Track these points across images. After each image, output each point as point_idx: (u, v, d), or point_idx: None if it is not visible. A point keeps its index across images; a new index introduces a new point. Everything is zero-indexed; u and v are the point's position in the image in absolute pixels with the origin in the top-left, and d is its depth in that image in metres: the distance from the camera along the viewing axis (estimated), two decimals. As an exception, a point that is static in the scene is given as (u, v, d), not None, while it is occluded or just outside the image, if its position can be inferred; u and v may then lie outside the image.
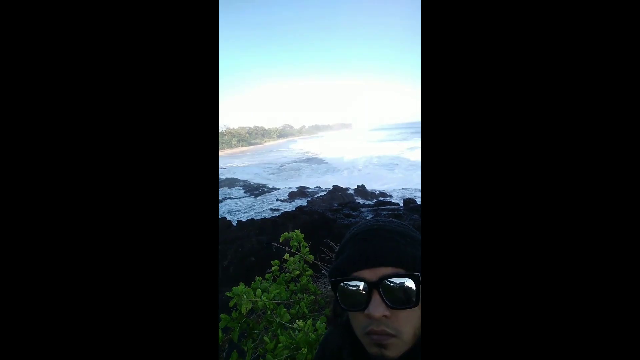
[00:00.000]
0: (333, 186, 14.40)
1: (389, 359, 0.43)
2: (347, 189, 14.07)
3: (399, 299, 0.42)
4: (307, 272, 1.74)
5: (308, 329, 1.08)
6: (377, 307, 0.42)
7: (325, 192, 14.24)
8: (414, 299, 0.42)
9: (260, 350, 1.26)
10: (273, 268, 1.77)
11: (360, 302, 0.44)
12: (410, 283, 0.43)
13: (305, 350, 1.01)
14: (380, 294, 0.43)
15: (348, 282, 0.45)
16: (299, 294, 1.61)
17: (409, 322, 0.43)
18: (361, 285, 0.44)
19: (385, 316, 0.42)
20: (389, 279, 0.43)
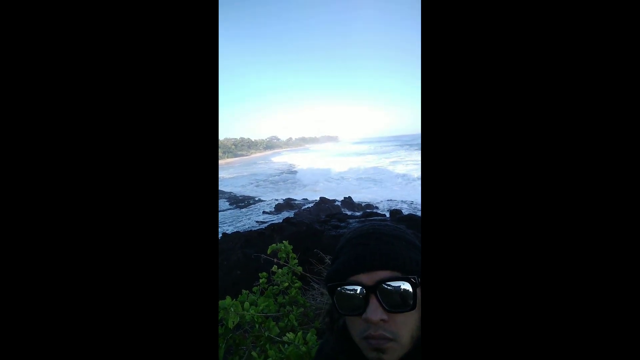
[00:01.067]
0: (320, 198, 14.37)
1: None
2: (334, 200, 14.08)
3: (396, 303, 0.43)
4: (296, 284, 1.71)
5: (298, 341, 1.06)
6: (375, 312, 0.42)
7: (312, 204, 14.18)
8: (411, 302, 0.43)
9: (248, 366, 1.21)
10: (261, 280, 1.72)
11: (358, 306, 0.44)
12: (407, 286, 0.43)
13: (296, 363, 0.98)
14: (377, 298, 0.43)
15: (345, 287, 0.45)
16: (287, 307, 1.57)
17: (406, 325, 0.43)
18: (358, 289, 0.44)
19: (382, 320, 0.43)
20: (386, 283, 0.43)
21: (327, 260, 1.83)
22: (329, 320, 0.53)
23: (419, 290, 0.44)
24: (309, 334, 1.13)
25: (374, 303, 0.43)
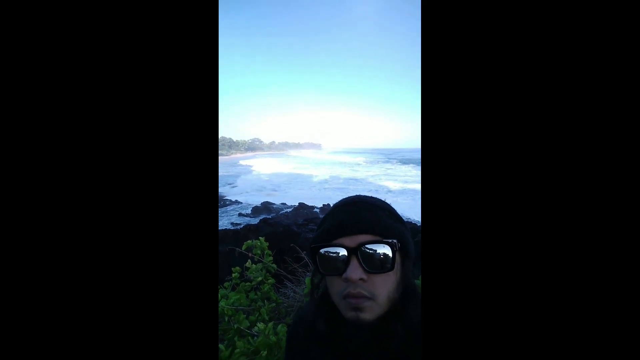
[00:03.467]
0: (299, 203, 14.34)
1: (364, 321, 0.45)
2: (312, 207, 14.09)
3: (375, 264, 0.45)
4: (269, 281, 1.68)
5: (268, 332, 1.04)
6: (355, 271, 0.44)
7: (290, 209, 14.08)
8: (389, 265, 0.45)
9: None
10: (234, 275, 1.68)
11: (339, 267, 0.46)
12: (386, 249, 0.45)
13: (265, 353, 0.97)
14: (358, 258, 0.45)
15: (328, 249, 0.47)
16: (259, 302, 1.54)
17: (383, 285, 0.46)
18: (340, 251, 0.46)
19: (362, 279, 0.45)
20: (367, 246, 0.45)
21: (303, 255, 1.82)
22: (310, 287, 0.55)
23: (397, 254, 0.47)
24: (279, 326, 1.12)
25: (354, 263, 0.45)
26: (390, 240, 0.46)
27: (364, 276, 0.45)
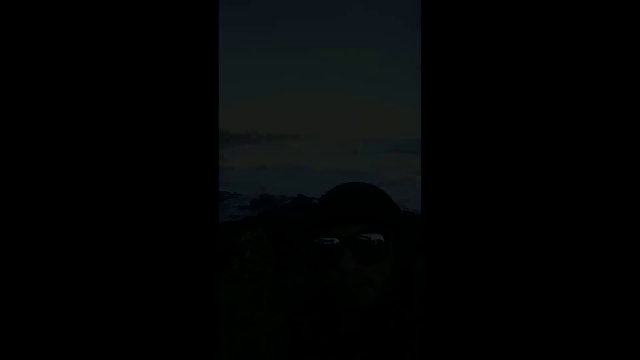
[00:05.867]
0: (298, 195, 14.39)
1: (360, 308, 0.45)
2: (312, 198, 14.14)
3: (368, 253, 0.45)
4: (269, 271, 1.71)
5: (269, 320, 1.06)
6: (348, 262, 0.44)
7: (289, 201, 14.13)
8: (383, 253, 0.45)
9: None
10: (233, 266, 1.70)
11: (333, 257, 0.46)
12: (379, 237, 0.45)
13: (265, 340, 0.99)
14: (351, 249, 0.45)
15: (322, 239, 0.47)
16: (259, 292, 1.57)
17: (377, 273, 0.46)
18: (334, 241, 0.46)
19: (356, 269, 0.45)
20: (360, 235, 0.45)
21: (302, 245, 1.84)
22: (305, 276, 0.55)
23: (391, 242, 0.47)
24: (279, 315, 1.15)
25: (348, 254, 0.45)
26: (384, 229, 0.46)
27: (358, 266, 0.45)
